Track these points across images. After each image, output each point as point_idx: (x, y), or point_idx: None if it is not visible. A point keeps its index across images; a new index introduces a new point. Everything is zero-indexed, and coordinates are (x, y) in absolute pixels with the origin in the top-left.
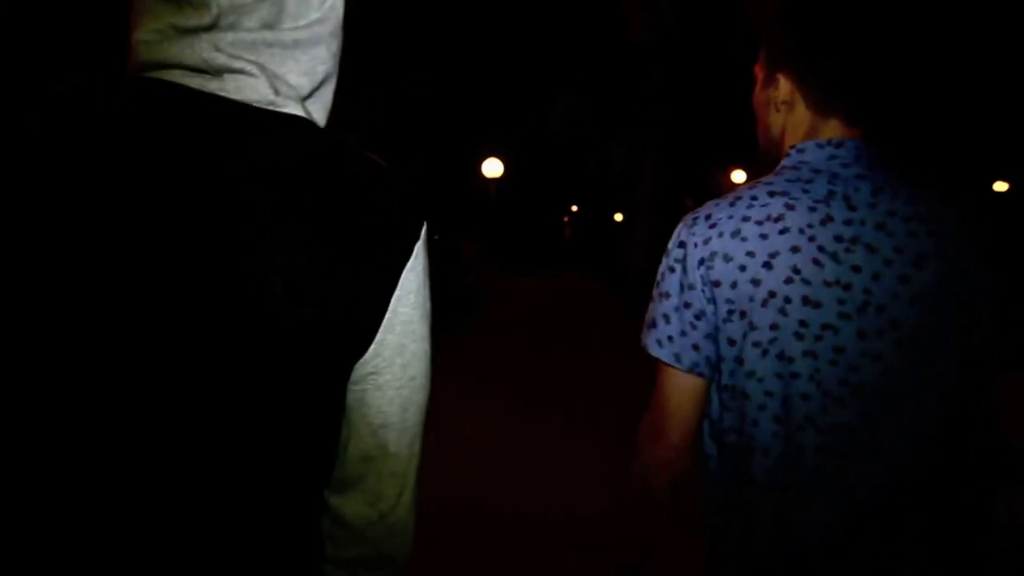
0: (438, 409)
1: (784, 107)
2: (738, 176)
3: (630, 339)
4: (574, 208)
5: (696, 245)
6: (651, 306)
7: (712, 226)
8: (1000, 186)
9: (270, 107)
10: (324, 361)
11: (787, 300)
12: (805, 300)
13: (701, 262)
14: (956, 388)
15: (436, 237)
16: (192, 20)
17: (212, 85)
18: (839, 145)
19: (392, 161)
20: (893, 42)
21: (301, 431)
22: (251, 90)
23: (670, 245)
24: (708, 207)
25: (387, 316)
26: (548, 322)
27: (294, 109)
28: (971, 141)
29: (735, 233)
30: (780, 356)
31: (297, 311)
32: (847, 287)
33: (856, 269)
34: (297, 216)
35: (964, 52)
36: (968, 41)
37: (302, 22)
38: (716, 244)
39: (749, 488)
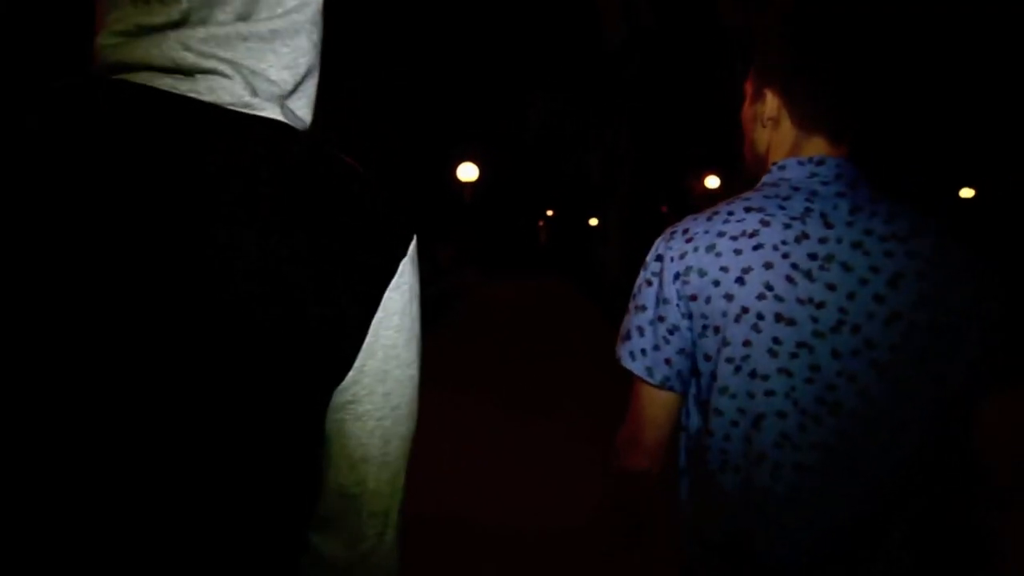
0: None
1: (770, 123)
2: (712, 182)
3: (607, 344)
4: (549, 213)
5: (672, 259)
6: (626, 318)
7: (688, 240)
8: (966, 192)
9: (245, 109)
10: (299, 385)
11: (760, 316)
12: (778, 317)
13: (677, 276)
14: (934, 409)
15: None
16: (160, 17)
17: (183, 86)
18: (820, 163)
19: (369, 163)
20: (889, 59)
21: (276, 460)
22: (224, 91)
23: (648, 258)
24: (687, 221)
25: (368, 339)
26: (524, 325)
27: (272, 112)
28: (938, 147)
29: (710, 248)
30: (752, 374)
31: (270, 327)
32: (821, 305)
33: (830, 287)
34: (272, 225)
35: (944, 64)
36: (948, 53)
37: (279, 10)
38: (691, 259)
39: (724, 504)
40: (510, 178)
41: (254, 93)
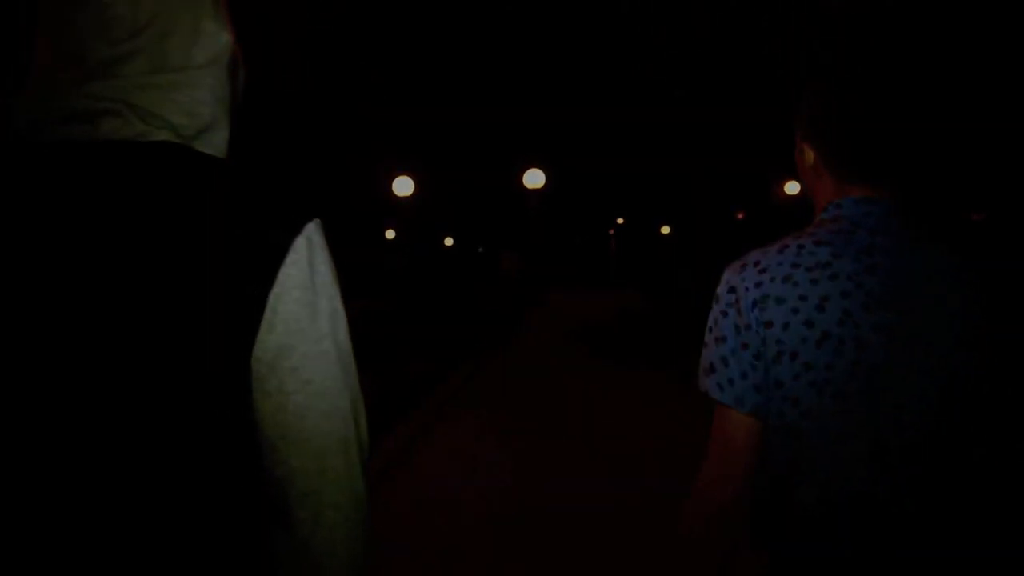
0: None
1: (812, 171)
2: (792, 187)
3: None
4: (620, 220)
5: (748, 288)
6: (706, 351)
7: (762, 271)
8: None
9: (138, 138)
10: (207, 364)
11: (841, 341)
12: (857, 342)
13: (754, 304)
14: (969, 452)
15: (480, 250)
16: (70, 73)
17: (83, 129)
18: (874, 203)
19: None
20: (917, 119)
21: (198, 452)
22: (126, 129)
23: (720, 291)
24: (754, 255)
25: (267, 314)
26: (595, 349)
27: (165, 137)
28: (952, 173)
29: (786, 279)
30: (836, 395)
31: (167, 323)
32: (894, 331)
33: (902, 315)
34: (150, 231)
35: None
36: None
37: (185, 66)
38: (768, 288)
39: (803, 521)
40: (578, 184)
41: (147, 125)
